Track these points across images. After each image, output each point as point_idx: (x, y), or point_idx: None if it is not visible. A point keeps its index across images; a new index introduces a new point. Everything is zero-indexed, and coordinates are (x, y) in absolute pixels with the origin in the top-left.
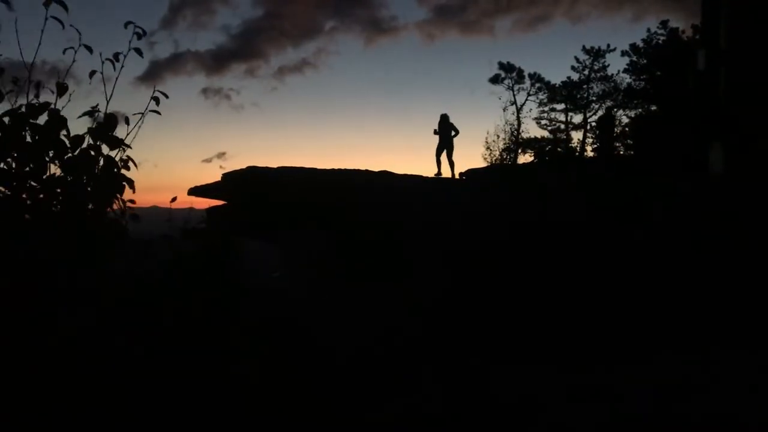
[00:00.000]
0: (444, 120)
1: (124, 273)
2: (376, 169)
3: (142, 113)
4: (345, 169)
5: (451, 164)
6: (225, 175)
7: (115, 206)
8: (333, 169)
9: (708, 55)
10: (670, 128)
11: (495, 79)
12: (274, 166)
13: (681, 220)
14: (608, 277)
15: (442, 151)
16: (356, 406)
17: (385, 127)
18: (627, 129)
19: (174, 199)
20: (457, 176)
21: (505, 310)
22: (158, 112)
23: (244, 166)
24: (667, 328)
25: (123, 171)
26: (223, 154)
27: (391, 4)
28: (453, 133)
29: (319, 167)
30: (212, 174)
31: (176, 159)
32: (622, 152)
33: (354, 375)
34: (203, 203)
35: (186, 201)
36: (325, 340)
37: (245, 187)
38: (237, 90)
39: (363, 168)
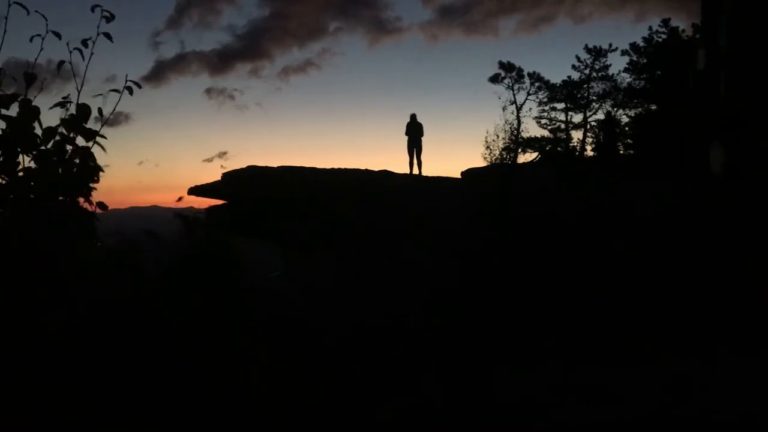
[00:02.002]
0: (413, 119)
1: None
2: (376, 169)
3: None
4: (345, 169)
5: (419, 163)
6: (225, 175)
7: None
8: (333, 169)
9: (708, 55)
10: (670, 128)
11: (495, 79)
12: (276, 165)
13: (682, 221)
14: (609, 278)
15: (413, 150)
16: (357, 406)
17: (387, 127)
18: (627, 129)
19: (180, 199)
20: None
21: (508, 310)
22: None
23: (244, 166)
24: (670, 329)
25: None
26: (225, 153)
27: (396, 5)
28: (420, 133)
29: (319, 167)
30: (214, 173)
31: (178, 158)
32: (622, 152)
33: (355, 374)
34: (204, 203)
35: (187, 201)
36: (327, 340)
37: (245, 187)
38: (241, 90)
39: (363, 168)
